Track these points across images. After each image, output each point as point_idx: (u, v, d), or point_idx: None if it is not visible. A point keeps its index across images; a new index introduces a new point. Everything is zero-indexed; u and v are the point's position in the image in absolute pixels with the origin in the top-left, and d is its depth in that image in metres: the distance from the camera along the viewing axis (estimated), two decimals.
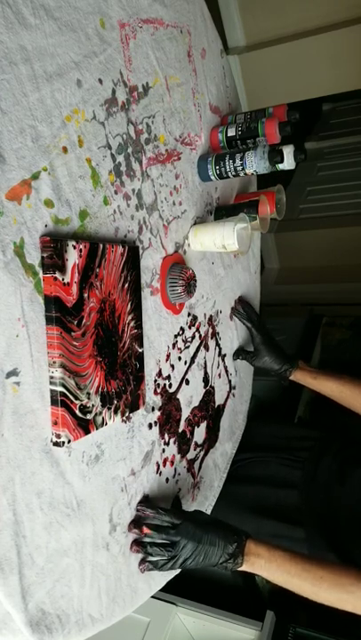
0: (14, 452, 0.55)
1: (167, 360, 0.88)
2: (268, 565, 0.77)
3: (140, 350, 0.76)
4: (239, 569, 0.78)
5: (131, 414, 0.76)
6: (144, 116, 0.80)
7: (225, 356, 1.13)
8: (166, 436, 0.87)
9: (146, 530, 0.76)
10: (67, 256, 0.60)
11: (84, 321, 0.63)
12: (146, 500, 0.80)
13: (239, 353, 1.18)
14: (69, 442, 0.61)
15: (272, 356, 1.13)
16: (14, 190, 0.54)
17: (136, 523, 0.77)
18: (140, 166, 0.78)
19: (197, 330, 0.99)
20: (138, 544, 0.77)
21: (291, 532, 1.04)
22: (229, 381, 1.16)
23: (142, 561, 0.78)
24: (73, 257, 0.61)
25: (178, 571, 0.87)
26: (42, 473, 0.59)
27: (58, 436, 0.60)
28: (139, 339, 0.76)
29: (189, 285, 0.86)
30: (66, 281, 0.60)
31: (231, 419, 1.18)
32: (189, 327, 0.96)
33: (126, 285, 0.72)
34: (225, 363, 1.13)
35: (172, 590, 1.39)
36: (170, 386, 0.89)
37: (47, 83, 0.59)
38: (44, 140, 0.59)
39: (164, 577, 0.86)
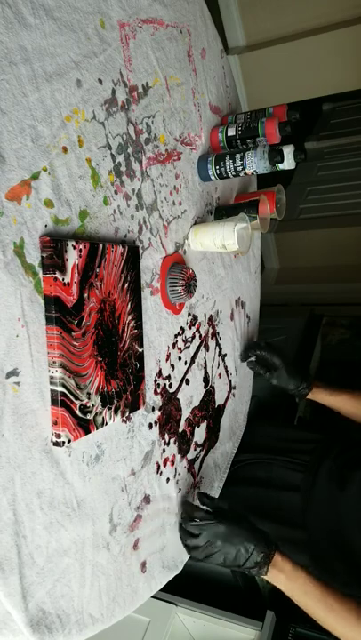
0: (14, 452, 0.55)
1: (167, 360, 0.88)
2: (287, 581, 0.80)
3: (141, 350, 0.76)
4: (262, 577, 0.82)
5: (131, 414, 0.76)
6: (144, 116, 0.80)
7: (225, 355, 1.13)
8: (166, 436, 0.87)
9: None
10: (67, 256, 0.60)
11: (85, 321, 0.63)
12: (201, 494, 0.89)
13: (254, 365, 1.19)
14: (69, 442, 0.61)
15: (290, 376, 1.15)
16: (14, 190, 0.54)
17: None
18: (140, 166, 0.78)
19: (197, 330, 0.99)
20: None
21: (292, 535, 1.04)
22: (230, 381, 1.16)
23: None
24: (73, 257, 0.61)
25: (178, 570, 0.87)
26: (42, 473, 0.59)
27: (58, 436, 0.60)
28: (139, 339, 0.76)
29: (189, 285, 0.86)
30: (66, 281, 0.60)
31: (231, 419, 1.18)
32: (189, 327, 0.96)
33: (126, 285, 0.72)
34: (225, 363, 1.13)
35: (172, 590, 1.39)
36: (170, 386, 0.89)
37: (47, 83, 0.59)
38: (44, 140, 0.59)
39: (164, 577, 0.86)
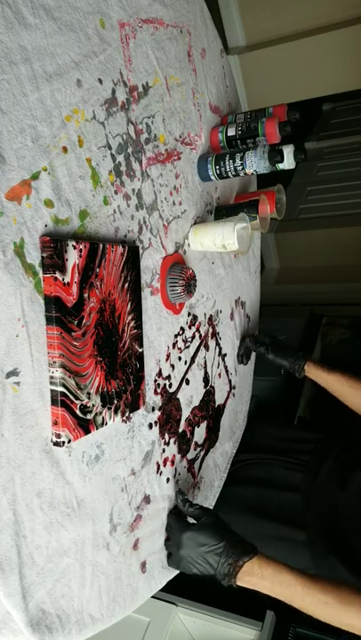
0: (14, 452, 0.55)
1: (167, 360, 0.88)
2: (271, 586, 0.76)
3: (140, 350, 0.76)
4: (243, 585, 0.79)
5: (131, 414, 0.76)
6: (144, 116, 0.80)
7: (225, 355, 1.13)
8: (166, 436, 0.87)
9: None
10: (67, 256, 0.60)
11: (85, 321, 0.63)
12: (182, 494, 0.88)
13: (252, 343, 1.21)
14: (69, 442, 0.61)
15: (283, 350, 1.17)
16: (14, 190, 0.54)
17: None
18: (140, 166, 0.78)
19: (197, 330, 0.99)
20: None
21: (292, 535, 1.04)
22: (230, 381, 1.16)
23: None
24: (73, 257, 0.61)
25: (177, 571, 0.87)
26: (42, 473, 0.59)
27: (58, 436, 0.60)
28: (139, 339, 0.76)
29: (189, 285, 0.86)
30: (66, 281, 0.60)
31: (231, 418, 1.18)
32: (189, 327, 0.96)
33: (126, 285, 0.72)
34: (225, 362, 1.13)
35: (172, 590, 1.39)
36: (170, 386, 0.89)
37: (47, 83, 0.59)
38: (44, 140, 0.59)
39: (164, 577, 0.86)
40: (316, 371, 1.13)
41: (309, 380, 1.16)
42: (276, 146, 0.97)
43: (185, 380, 0.94)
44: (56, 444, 0.60)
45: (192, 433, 0.97)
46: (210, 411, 1.05)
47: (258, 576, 0.77)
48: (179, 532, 0.81)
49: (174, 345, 0.90)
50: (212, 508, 1.06)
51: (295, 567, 0.78)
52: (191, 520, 0.85)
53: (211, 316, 1.05)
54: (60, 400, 0.59)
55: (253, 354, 1.30)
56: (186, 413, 0.94)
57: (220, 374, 1.10)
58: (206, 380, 1.03)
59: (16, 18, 0.55)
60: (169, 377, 0.88)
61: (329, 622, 0.75)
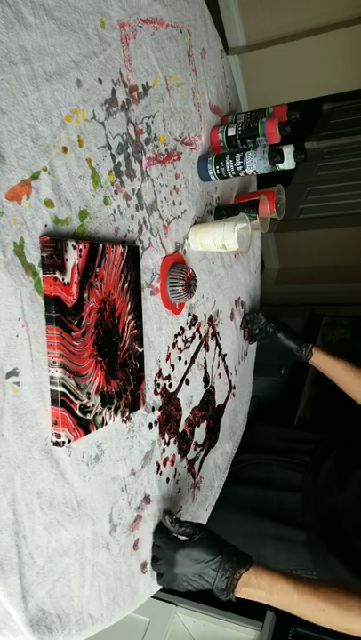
0: (14, 452, 0.55)
1: (167, 360, 0.88)
2: (268, 596, 0.75)
3: (140, 350, 0.76)
4: (240, 597, 0.77)
5: (131, 414, 0.76)
6: (144, 116, 0.80)
7: (225, 355, 1.13)
8: (166, 436, 0.87)
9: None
10: (67, 256, 0.60)
11: (84, 321, 0.63)
12: (170, 514, 0.83)
13: (258, 328, 1.22)
14: (69, 442, 0.61)
15: (290, 335, 1.19)
16: (14, 190, 0.54)
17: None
18: (140, 166, 0.78)
19: (197, 330, 0.99)
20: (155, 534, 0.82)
21: (292, 535, 1.04)
22: (230, 381, 1.16)
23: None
24: (73, 257, 0.61)
25: None
26: (42, 473, 0.59)
27: (58, 436, 0.60)
28: (139, 339, 0.76)
29: (189, 285, 0.86)
30: (66, 281, 0.60)
31: (231, 419, 1.18)
32: (189, 327, 0.96)
33: (126, 285, 0.72)
34: (225, 363, 1.13)
35: (172, 590, 1.39)
36: (170, 386, 0.89)
37: (47, 83, 0.59)
38: (44, 140, 0.59)
39: None
40: (323, 356, 1.15)
41: (309, 380, 1.17)
42: (276, 146, 0.97)
43: (185, 380, 0.94)
44: (56, 443, 0.60)
45: (192, 433, 0.97)
46: (210, 411, 1.05)
47: (255, 587, 0.75)
48: (172, 550, 0.78)
49: (174, 345, 0.90)
50: (212, 507, 1.06)
51: (295, 568, 0.78)
52: (180, 537, 0.82)
53: (211, 316, 1.05)
54: (60, 400, 0.59)
55: (254, 345, 1.30)
56: (186, 413, 0.94)
57: (220, 374, 1.10)
58: (206, 380, 1.03)
59: (16, 18, 0.55)
60: (169, 377, 0.88)
61: (329, 627, 0.75)
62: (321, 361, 1.16)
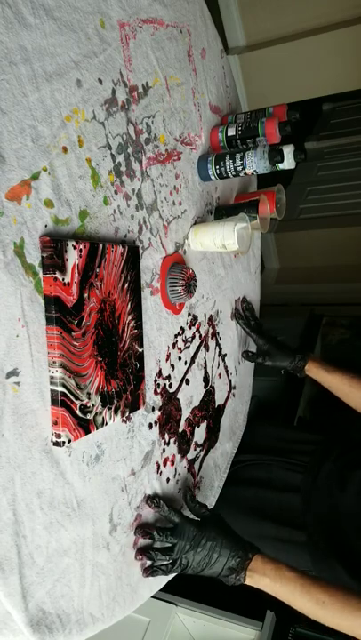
0: (14, 452, 0.55)
1: (167, 360, 0.88)
2: (272, 584, 0.77)
3: (141, 350, 0.76)
4: (243, 583, 0.79)
5: (131, 414, 0.76)
6: (144, 116, 0.80)
7: (225, 355, 1.13)
8: (166, 436, 0.87)
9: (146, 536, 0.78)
10: (67, 256, 0.60)
11: (85, 321, 0.63)
12: (153, 497, 0.82)
13: (249, 356, 1.19)
14: (69, 442, 0.61)
15: (281, 353, 1.14)
16: (14, 190, 0.54)
17: (140, 527, 0.79)
18: (140, 166, 0.78)
19: (197, 330, 0.99)
20: (142, 552, 0.78)
21: (292, 536, 1.04)
22: (230, 381, 1.16)
23: (147, 568, 0.80)
24: (73, 257, 0.61)
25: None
26: (42, 473, 0.59)
27: (58, 436, 0.60)
28: (139, 339, 0.76)
29: (189, 285, 0.86)
30: (66, 281, 0.60)
31: (231, 419, 1.18)
32: (189, 327, 0.96)
33: (126, 285, 0.72)
34: (225, 363, 1.13)
35: (172, 590, 1.40)
36: (170, 386, 0.89)
37: (47, 83, 0.59)
38: (44, 140, 0.59)
39: (164, 577, 0.86)
40: (317, 370, 1.12)
41: (310, 380, 1.16)
42: (276, 146, 0.97)
43: (185, 380, 0.94)
44: (56, 443, 0.60)
45: (192, 433, 0.97)
46: (210, 411, 1.05)
47: (260, 572, 0.77)
48: (190, 530, 0.78)
49: (174, 345, 0.90)
50: (212, 508, 1.06)
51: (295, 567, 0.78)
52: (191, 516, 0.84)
53: (211, 316, 1.05)
54: (60, 400, 0.59)
55: (254, 345, 1.29)
56: (186, 413, 0.94)
57: (220, 374, 1.10)
58: (206, 380, 1.03)
59: (16, 18, 0.55)
60: (169, 377, 0.88)
61: (326, 624, 0.75)
62: (315, 375, 1.12)
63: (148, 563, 0.80)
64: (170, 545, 0.79)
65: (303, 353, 1.14)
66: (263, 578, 0.77)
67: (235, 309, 1.18)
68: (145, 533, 0.78)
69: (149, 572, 0.79)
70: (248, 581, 0.78)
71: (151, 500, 0.81)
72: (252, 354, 1.19)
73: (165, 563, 0.79)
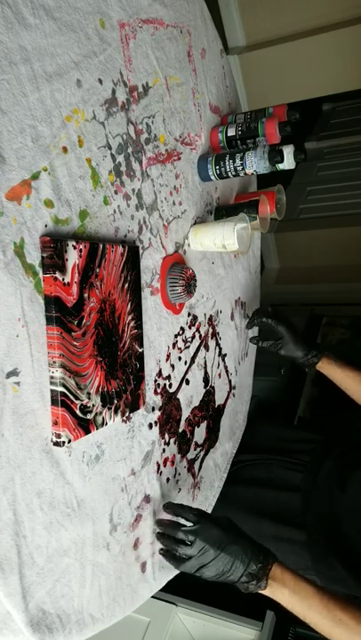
0: (14, 452, 0.55)
1: (167, 360, 0.88)
2: (290, 595, 0.72)
3: (140, 350, 0.76)
4: (261, 592, 0.74)
5: (131, 414, 0.76)
6: (144, 116, 0.80)
7: (225, 355, 1.13)
8: (166, 436, 0.87)
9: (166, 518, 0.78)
10: (67, 256, 0.60)
11: (85, 321, 0.63)
12: (172, 506, 0.81)
13: (262, 341, 1.14)
14: (69, 442, 0.61)
15: (298, 343, 1.10)
16: (14, 190, 0.54)
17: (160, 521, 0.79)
18: (140, 166, 0.78)
19: (197, 330, 0.99)
20: (160, 536, 0.78)
21: (292, 535, 1.04)
22: (230, 381, 1.16)
23: (164, 552, 0.79)
24: (73, 257, 0.61)
25: (177, 571, 0.86)
26: (42, 473, 0.59)
27: (58, 436, 0.60)
28: (139, 339, 0.76)
29: (189, 285, 0.86)
30: (66, 281, 0.60)
31: (231, 419, 1.18)
32: (189, 327, 0.96)
33: (126, 285, 0.72)
34: (225, 363, 1.13)
35: (172, 590, 1.40)
36: (170, 386, 0.89)
37: (47, 83, 0.59)
38: (44, 140, 0.59)
39: (164, 577, 0.86)
40: (329, 366, 1.08)
41: (309, 381, 1.16)
42: (276, 146, 0.97)
43: (185, 380, 0.94)
44: (56, 443, 0.60)
45: (192, 433, 0.97)
46: (210, 411, 1.05)
47: (280, 581, 0.72)
48: (218, 528, 0.75)
49: (174, 345, 0.90)
50: (212, 507, 1.06)
51: (295, 568, 0.77)
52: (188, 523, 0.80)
53: (211, 316, 1.05)
54: (60, 400, 0.59)
55: (254, 345, 1.28)
56: (186, 413, 0.94)
57: (220, 374, 1.10)
58: (206, 380, 1.03)
59: (16, 18, 0.55)
60: (169, 377, 0.88)
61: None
62: (327, 372, 1.09)
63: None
64: (190, 543, 0.74)
65: (319, 350, 1.10)
66: (283, 589, 0.72)
67: (251, 319, 1.15)
68: (162, 537, 0.77)
69: (163, 554, 0.78)
70: (267, 591, 0.73)
71: (168, 505, 0.80)
72: (265, 340, 1.14)
73: (185, 554, 0.75)
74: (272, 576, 0.73)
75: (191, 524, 0.76)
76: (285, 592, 0.72)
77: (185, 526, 0.76)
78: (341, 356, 1.11)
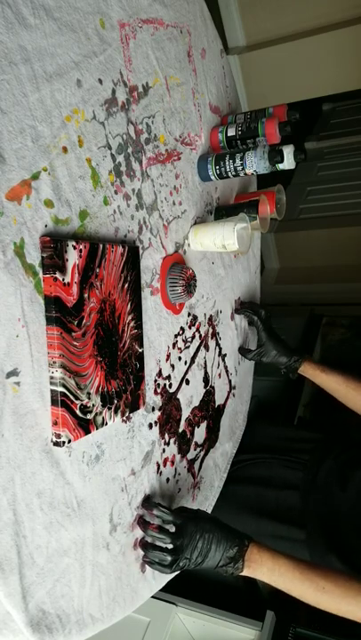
0: (14, 452, 0.55)
1: (167, 360, 0.88)
2: (270, 573, 0.76)
3: (140, 350, 0.76)
4: (241, 574, 0.77)
5: (131, 414, 0.76)
6: (144, 116, 0.80)
7: (225, 355, 1.13)
8: (166, 436, 0.87)
9: (151, 527, 0.77)
10: (67, 256, 0.60)
11: (85, 321, 0.63)
12: (147, 500, 0.81)
13: (245, 352, 1.18)
14: (69, 442, 0.61)
15: (279, 350, 1.13)
16: (14, 190, 0.54)
17: (141, 523, 0.78)
18: (140, 166, 0.78)
19: (197, 330, 0.99)
20: (142, 544, 0.78)
21: (291, 534, 1.04)
22: (230, 381, 1.16)
23: (144, 562, 0.79)
24: (73, 257, 0.61)
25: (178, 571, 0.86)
26: (42, 473, 0.59)
27: (58, 436, 0.60)
28: (139, 339, 0.76)
29: (189, 285, 0.86)
30: (66, 281, 0.60)
31: (231, 419, 1.18)
32: (189, 327, 0.96)
33: (126, 285, 0.72)
34: (225, 363, 1.13)
35: (172, 590, 1.39)
36: (170, 386, 0.89)
37: (47, 83, 0.59)
38: (44, 140, 0.59)
39: (164, 577, 0.86)
40: (313, 372, 1.11)
41: (309, 381, 1.16)
42: (276, 146, 0.97)
43: (185, 380, 0.94)
44: (56, 444, 0.60)
45: (192, 433, 0.97)
46: (210, 411, 1.05)
47: (257, 562, 0.76)
48: (188, 527, 0.77)
49: (174, 345, 0.90)
50: (212, 507, 1.06)
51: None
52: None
53: (211, 316, 1.05)
54: (60, 400, 0.59)
55: (254, 345, 1.29)
56: (186, 413, 0.94)
57: (220, 374, 1.10)
58: (206, 380, 1.03)
59: (16, 18, 0.55)
60: (169, 377, 0.88)
61: (327, 609, 0.74)
62: (311, 376, 1.11)
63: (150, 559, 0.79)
64: (172, 547, 0.77)
65: (300, 355, 1.13)
66: (261, 567, 0.76)
67: (237, 309, 1.18)
68: (143, 546, 0.77)
69: (147, 563, 0.79)
70: (246, 572, 0.77)
71: (147, 504, 0.79)
72: (248, 350, 1.18)
73: (165, 562, 0.77)
74: (249, 557, 0.76)
75: (172, 526, 0.78)
76: (264, 570, 0.76)
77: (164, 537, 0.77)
78: (328, 359, 1.12)
